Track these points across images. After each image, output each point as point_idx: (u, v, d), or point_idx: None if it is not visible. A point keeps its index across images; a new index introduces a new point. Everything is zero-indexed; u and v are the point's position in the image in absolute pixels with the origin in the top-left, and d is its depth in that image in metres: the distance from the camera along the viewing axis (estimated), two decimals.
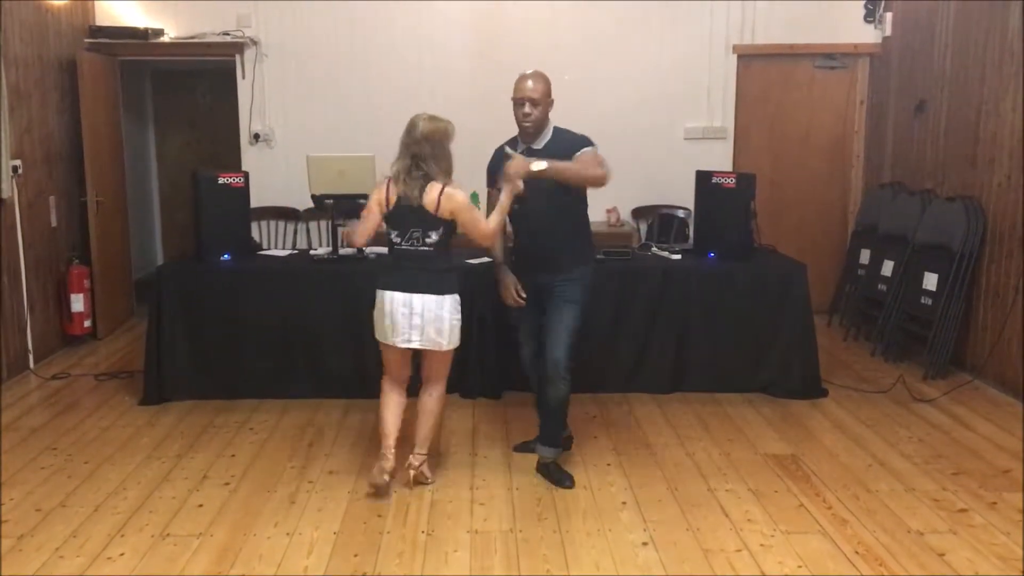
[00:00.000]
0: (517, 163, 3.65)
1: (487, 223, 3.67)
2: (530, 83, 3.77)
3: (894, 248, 6.12)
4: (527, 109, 3.77)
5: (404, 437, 3.91)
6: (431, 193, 3.60)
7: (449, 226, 3.68)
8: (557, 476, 3.93)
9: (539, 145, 3.84)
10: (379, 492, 3.76)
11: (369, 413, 4.82)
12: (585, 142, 3.85)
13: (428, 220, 3.65)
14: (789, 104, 7.16)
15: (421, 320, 3.66)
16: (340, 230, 5.10)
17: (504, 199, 3.65)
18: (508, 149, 3.79)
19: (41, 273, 5.89)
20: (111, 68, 6.82)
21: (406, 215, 3.67)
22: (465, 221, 3.66)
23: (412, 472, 3.85)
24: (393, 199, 3.68)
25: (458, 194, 3.62)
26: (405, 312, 3.67)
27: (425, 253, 3.69)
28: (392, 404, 3.89)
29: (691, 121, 7.09)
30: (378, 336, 3.80)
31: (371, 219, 3.77)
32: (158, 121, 8.90)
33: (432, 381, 3.88)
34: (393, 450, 3.82)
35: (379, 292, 3.74)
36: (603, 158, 3.82)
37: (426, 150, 3.60)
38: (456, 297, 3.74)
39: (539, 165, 3.63)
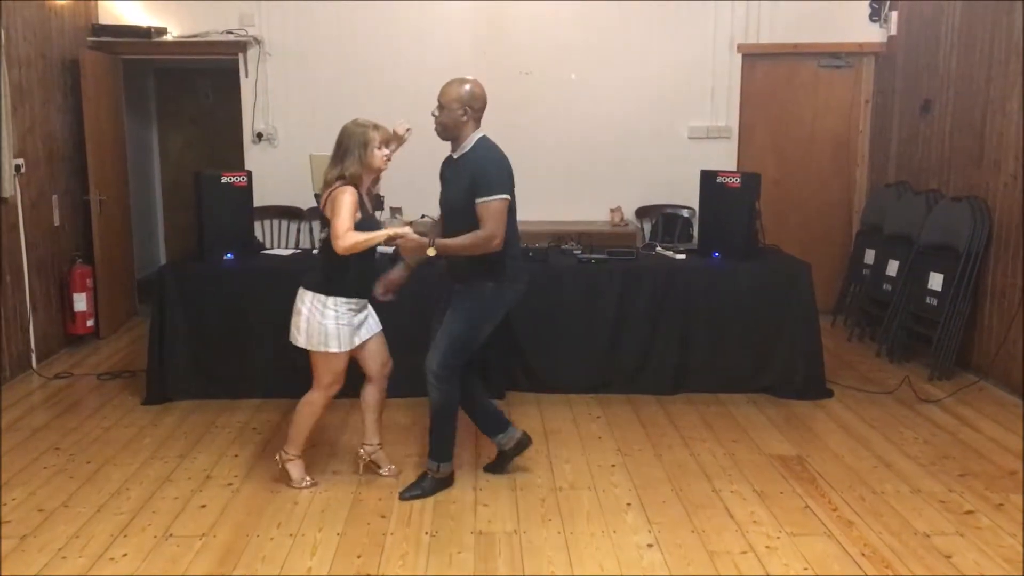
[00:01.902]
0: (414, 246, 3.54)
1: (345, 234, 3.47)
2: (444, 87, 3.68)
3: (899, 248, 6.10)
4: (435, 112, 3.68)
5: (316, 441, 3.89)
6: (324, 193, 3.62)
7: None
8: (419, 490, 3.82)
9: (457, 154, 3.71)
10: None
11: None
12: (482, 184, 3.51)
13: (322, 219, 3.68)
14: (794, 104, 7.14)
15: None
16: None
17: (381, 237, 3.53)
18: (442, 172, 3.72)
19: (44, 272, 5.89)
20: (114, 67, 6.82)
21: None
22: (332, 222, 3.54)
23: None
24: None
25: (338, 196, 3.53)
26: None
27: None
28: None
29: (695, 120, 7.07)
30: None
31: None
32: (161, 120, 8.89)
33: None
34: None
35: None
36: (496, 211, 3.48)
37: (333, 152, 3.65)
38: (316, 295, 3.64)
39: (431, 251, 3.51)
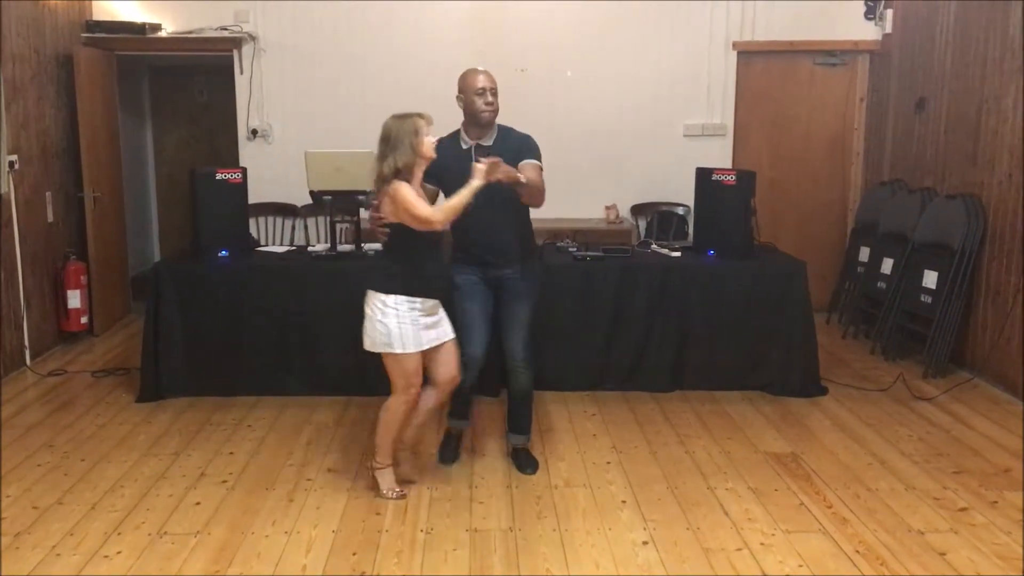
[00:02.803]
0: (505, 170, 3.56)
1: (431, 214, 3.48)
2: (489, 74, 3.81)
3: (894, 246, 6.11)
4: (490, 98, 3.76)
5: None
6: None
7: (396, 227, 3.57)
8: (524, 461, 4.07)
9: (488, 141, 3.82)
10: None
11: (368, 410, 4.81)
12: (532, 148, 3.84)
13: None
14: (789, 101, 7.15)
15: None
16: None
17: (471, 193, 3.49)
18: (478, 157, 3.68)
19: (38, 269, 5.87)
20: (108, 63, 6.79)
21: None
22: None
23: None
24: None
25: (396, 194, 3.49)
26: None
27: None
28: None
29: (691, 118, 7.07)
30: None
31: None
32: (155, 116, 8.87)
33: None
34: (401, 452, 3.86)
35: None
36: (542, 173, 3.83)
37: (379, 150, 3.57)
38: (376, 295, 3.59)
39: (522, 178, 3.63)
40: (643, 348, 5.12)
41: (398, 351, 3.55)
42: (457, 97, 3.85)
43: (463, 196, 3.48)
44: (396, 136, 3.51)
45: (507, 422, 4.19)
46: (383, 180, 3.51)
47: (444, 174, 3.75)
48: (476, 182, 3.49)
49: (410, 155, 3.49)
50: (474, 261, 3.90)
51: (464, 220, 3.61)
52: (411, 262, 3.59)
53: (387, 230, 3.58)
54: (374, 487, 3.78)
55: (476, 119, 3.80)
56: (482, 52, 6.78)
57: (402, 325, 3.53)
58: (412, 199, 3.46)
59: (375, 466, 3.78)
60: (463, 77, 3.84)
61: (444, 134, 3.79)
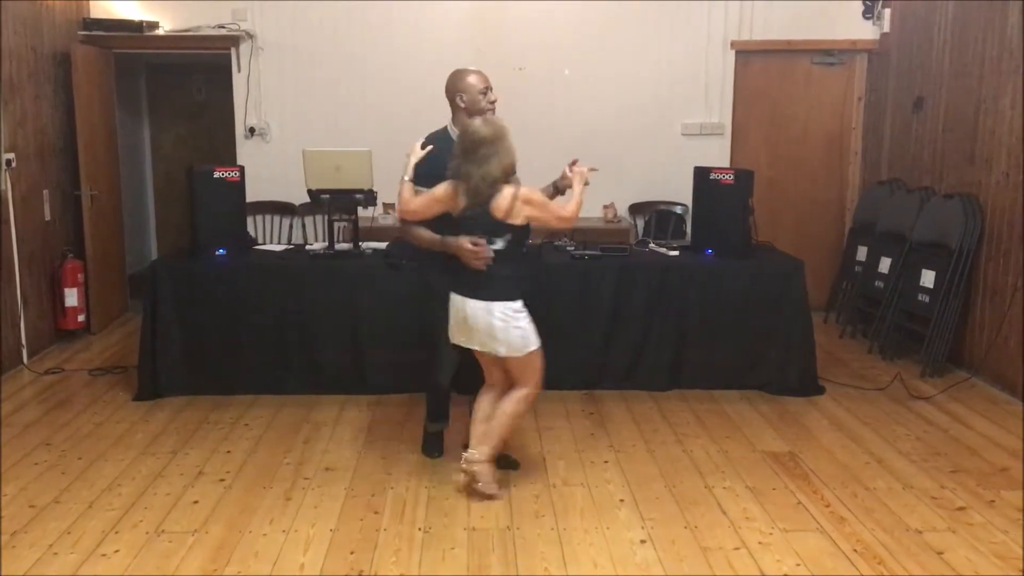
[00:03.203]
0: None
1: (565, 211, 3.69)
2: (483, 74, 3.84)
3: (892, 245, 6.12)
4: (492, 97, 3.80)
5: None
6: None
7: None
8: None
9: None
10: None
11: (365, 409, 4.82)
12: None
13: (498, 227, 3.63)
14: (787, 101, 7.15)
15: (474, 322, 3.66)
16: None
17: (583, 190, 3.77)
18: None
19: (35, 267, 5.86)
20: (105, 61, 6.78)
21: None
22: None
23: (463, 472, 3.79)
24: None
25: (529, 195, 3.63)
26: (462, 316, 3.68)
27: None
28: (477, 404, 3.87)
29: (689, 117, 7.07)
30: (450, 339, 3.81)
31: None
32: (153, 115, 8.85)
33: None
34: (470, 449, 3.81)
35: (453, 298, 3.71)
36: None
37: None
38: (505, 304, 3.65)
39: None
40: (641, 347, 5.12)
41: (535, 347, 3.67)
42: (457, 96, 3.81)
43: (580, 193, 3.71)
44: (496, 136, 3.52)
45: (443, 412, 4.24)
46: (494, 186, 3.51)
47: (442, 173, 3.69)
48: (582, 186, 3.73)
49: (511, 155, 3.56)
50: (455, 265, 3.75)
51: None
52: (520, 264, 3.72)
53: (492, 256, 3.58)
54: (471, 481, 3.72)
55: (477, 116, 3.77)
56: (481, 51, 6.78)
57: (530, 322, 3.67)
58: (539, 196, 3.64)
59: (481, 458, 3.73)
60: (460, 77, 3.82)
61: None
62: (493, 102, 3.80)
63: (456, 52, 6.75)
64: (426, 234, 3.77)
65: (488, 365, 3.80)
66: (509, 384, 3.77)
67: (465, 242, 3.57)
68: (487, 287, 3.60)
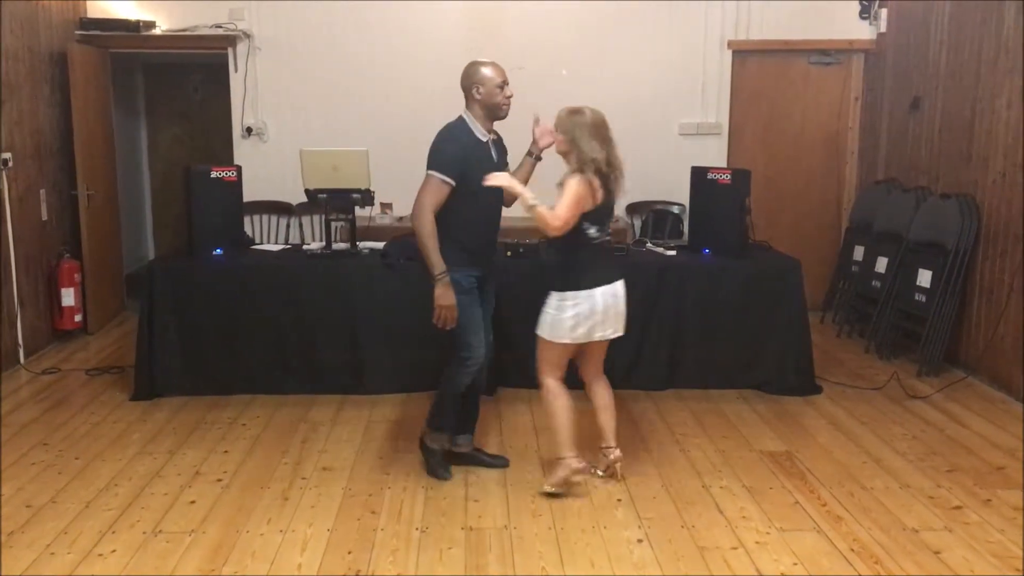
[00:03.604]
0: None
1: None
2: (501, 67, 3.77)
3: (888, 245, 6.12)
4: (509, 92, 3.74)
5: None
6: None
7: None
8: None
9: (493, 136, 3.82)
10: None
11: (363, 409, 4.82)
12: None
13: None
14: (784, 100, 7.15)
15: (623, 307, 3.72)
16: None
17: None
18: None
19: (31, 267, 5.85)
20: (102, 61, 6.77)
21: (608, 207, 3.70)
22: None
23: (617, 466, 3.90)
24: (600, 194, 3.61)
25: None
26: (612, 303, 3.68)
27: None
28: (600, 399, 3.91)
29: (686, 117, 7.07)
30: (576, 338, 3.68)
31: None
32: (150, 114, 8.84)
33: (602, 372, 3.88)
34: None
35: (591, 294, 3.64)
36: None
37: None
38: None
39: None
40: (638, 347, 5.12)
41: None
42: (473, 88, 3.69)
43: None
44: (604, 124, 3.58)
45: (470, 423, 4.05)
46: (586, 164, 3.53)
47: (468, 169, 3.63)
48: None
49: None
50: (476, 260, 3.78)
51: (480, 213, 3.61)
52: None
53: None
54: (568, 478, 3.77)
55: (496, 112, 3.74)
56: (479, 50, 6.73)
57: None
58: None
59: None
60: (478, 69, 3.69)
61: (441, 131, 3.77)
62: (509, 97, 3.73)
63: (453, 52, 6.71)
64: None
65: (602, 353, 3.83)
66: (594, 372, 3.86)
67: None
68: (618, 267, 3.70)
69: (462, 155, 3.64)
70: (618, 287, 3.70)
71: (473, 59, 3.79)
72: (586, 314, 3.62)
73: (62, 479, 3.90)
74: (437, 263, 3.61)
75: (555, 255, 3.76)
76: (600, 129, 3.57)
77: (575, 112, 3.59)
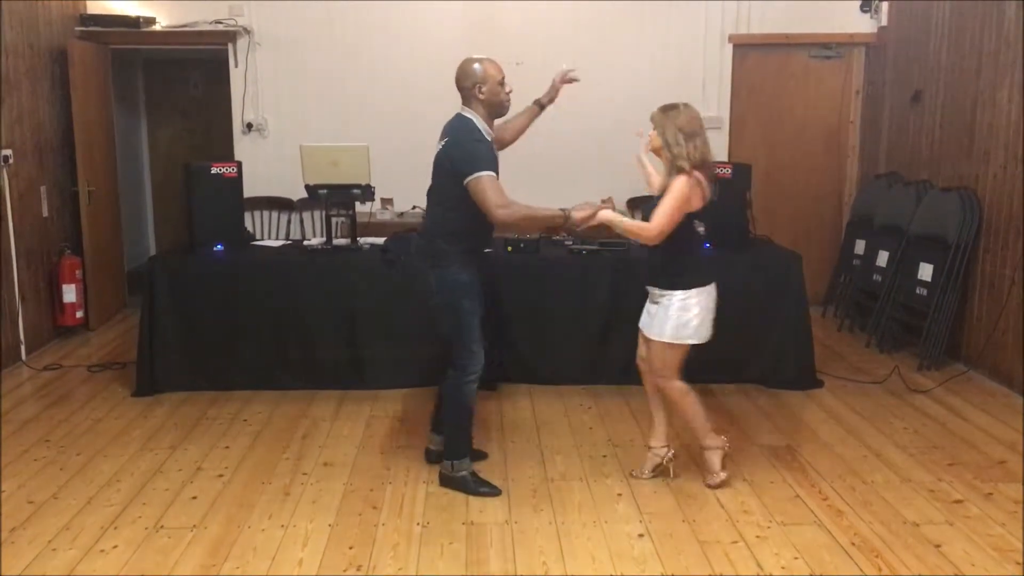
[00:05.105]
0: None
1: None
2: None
3: (889, 239, 6.12)
4: (508, 87, 3.72)
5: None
6: None
7: None
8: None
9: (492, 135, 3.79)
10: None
11: (364, 404, 4.82)
12: None
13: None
14: (785, 94, 7.14)
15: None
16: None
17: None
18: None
19: (32, 264, 5.85)
20: (102, 57, 6.77)
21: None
22: None
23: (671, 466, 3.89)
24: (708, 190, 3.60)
25: None
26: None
27: None
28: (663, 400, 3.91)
29: None
30: (702, 338, 3.70)
31: None
32: (150, 110, 8.85)
33: None
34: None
35: (709, 288, 3.66)
36: None
37: None
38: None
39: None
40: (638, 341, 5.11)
41: None
42: (476, 88, 3.62)
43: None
44: (698, 119, 3.56)
45: (441, 424, 3.94)
46: (686, 162, 3.52)
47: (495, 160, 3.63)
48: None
49: (706, 148, 3.60)
50: (477, 259, 3.77)
51: (482, 213, 3.57)
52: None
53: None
54: (723, 459, 3.83)
55: (499, 110, 3.71)
56: (478, 46, 6.74)
57: None
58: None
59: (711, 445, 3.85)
60: (478, 67, 3.63)
61: (438, 130, 3.75)
62: (509, 92, 3.71)
63: (452, 47, 6.71)
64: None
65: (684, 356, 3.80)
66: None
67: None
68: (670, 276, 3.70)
69: (491, 154, 3.61)
70: (714, 287, 3.71)
71: (467, 56, 3.73)
72: (708, 309, 3.65)
73: (63, 475, 3.91)
74: (551, 212, 3.60)
75: (662, 255, 3.69)
76: (694, 124, 3.56)
77: (669, 108, 3.60)
